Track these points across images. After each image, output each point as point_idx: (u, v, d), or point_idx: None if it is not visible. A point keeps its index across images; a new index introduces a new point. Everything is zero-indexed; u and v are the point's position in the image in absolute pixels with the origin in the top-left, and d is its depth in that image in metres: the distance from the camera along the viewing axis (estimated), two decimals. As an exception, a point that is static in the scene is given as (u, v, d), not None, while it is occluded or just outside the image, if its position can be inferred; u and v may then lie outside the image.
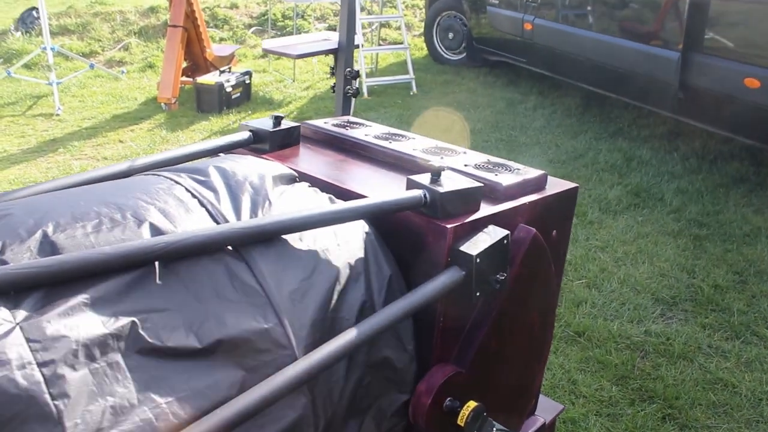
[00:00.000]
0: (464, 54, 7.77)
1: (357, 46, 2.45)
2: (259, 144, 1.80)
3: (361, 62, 6.95)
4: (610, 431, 2.49)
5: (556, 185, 1.69)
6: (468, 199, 1.43)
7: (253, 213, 1.30)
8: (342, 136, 1.86)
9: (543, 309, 1.68)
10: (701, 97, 4.74)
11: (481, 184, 1.45)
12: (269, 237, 1.24)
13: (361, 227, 1.40)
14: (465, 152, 1.76)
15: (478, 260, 1.35)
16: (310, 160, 1.76)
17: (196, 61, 7.03)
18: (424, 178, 1.43)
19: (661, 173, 4.80)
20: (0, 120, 6.31)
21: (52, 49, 6.81)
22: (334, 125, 1.95)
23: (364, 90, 6.86)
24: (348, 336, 1.21)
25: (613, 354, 2.88)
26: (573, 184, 1.71)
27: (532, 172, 1.64)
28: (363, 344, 1.25)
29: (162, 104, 6.55)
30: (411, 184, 1.44)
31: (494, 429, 1.47)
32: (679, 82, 4.76)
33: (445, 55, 7.99)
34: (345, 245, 1.35)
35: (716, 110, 4.71)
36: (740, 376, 2.77)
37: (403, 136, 1.88)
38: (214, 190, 1.33)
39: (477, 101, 6.60)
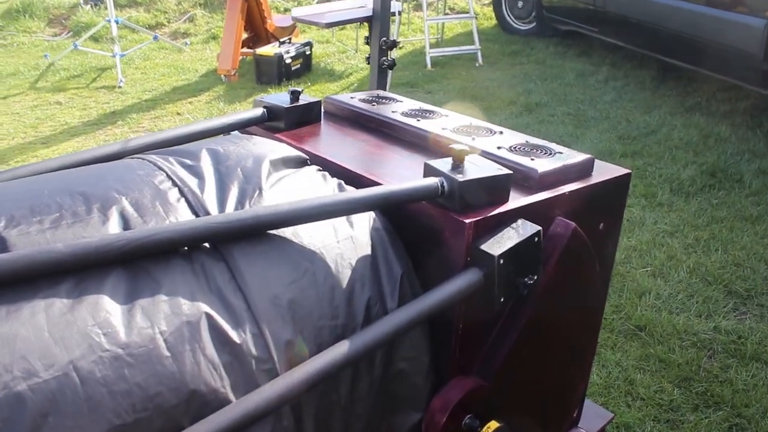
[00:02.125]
0: (534, 24, 7.43)
1: (394, 14, 2.27)
2: (274, 122, 1.64)
3: (426, 32, 6.71)
4: (669, 438, 2.27)
5: (604, 171, 1.47)
6: (494, 189, 1.23)
7: (240, 204, 1.15)
8: (367, 113, 1.69)
9: (586, 312, 1.48)
10: (789, 69, 4.34)
11: (510, 172, 1.25)
12: (253, 232, 1.08)
13: (368, 220, 1.23)
14: (501, 132, 1.56)
15: (501, 261, 1.16)
16: (328, 140, 1.59)
17: (257, 32, 6.93)
18: (444, 164, 1.24)
19: (740, 152, 4.44)
20: (65, 92, 6.36)
21: (116, 21, 6.82)
22: (360, 100, 1.78)
23: (427, 61, 6.63)
24: (343, 347, 1.04)
25: (676, 352, 2.63)
26: (625, 170, 1.49)
27: (576, 156, 1.42)
28: (365, 355, 1.08)
29: (222, 76, 6.49)
30: (428, 171, 1.26)
31: (521, 451, 1.29)
32: (765, 53, 4.37)
33: (515, 25, 7.65)
34: (347, 241, 1.18)
35: (806, 83, 4.31)
36: (821, 381, 2.49)
37: (434, 112, 1.68)
38: (200, 176, 1.18)
39: (545, 73, 6.29)
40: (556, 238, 1.31)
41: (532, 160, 1.38)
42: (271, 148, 1.32)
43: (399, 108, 1.71)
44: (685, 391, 2.46)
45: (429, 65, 6.62)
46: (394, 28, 7.26)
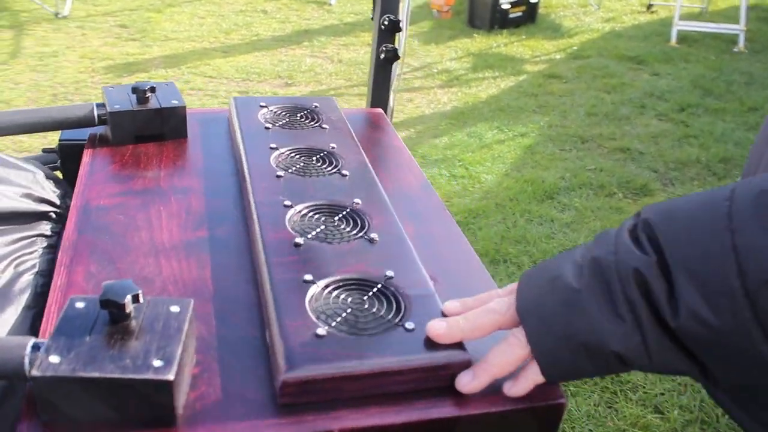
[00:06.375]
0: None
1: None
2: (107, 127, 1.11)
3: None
4: None
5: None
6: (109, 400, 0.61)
7: None
8: (238, 143, 1.08)
9: None
10: None
11: (145, 378, 0.61)
12: None
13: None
14: (372, 241, 0.88)
15: None
16: (140, 179, 1.02)
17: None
18: (87, 308, 0.64)
19: None
20: (277, 1, 6.19)
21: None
22: (264, 117, 1.16)
23: (673, 35, 5.48)
24: None
25: None
26: (559, 400, 0.75)
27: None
28: None
29: (434, 11, 5.91)
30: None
31: None
32: None
33: (809, 7, 6.12)
34: None
35: None
36: None
37: (330, 161, 1.03)
38: None
39: (820, 77, 4.91)
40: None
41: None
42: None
43: (288, 143, 1.07)
44: None
45: (674, 40, 5.48)
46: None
